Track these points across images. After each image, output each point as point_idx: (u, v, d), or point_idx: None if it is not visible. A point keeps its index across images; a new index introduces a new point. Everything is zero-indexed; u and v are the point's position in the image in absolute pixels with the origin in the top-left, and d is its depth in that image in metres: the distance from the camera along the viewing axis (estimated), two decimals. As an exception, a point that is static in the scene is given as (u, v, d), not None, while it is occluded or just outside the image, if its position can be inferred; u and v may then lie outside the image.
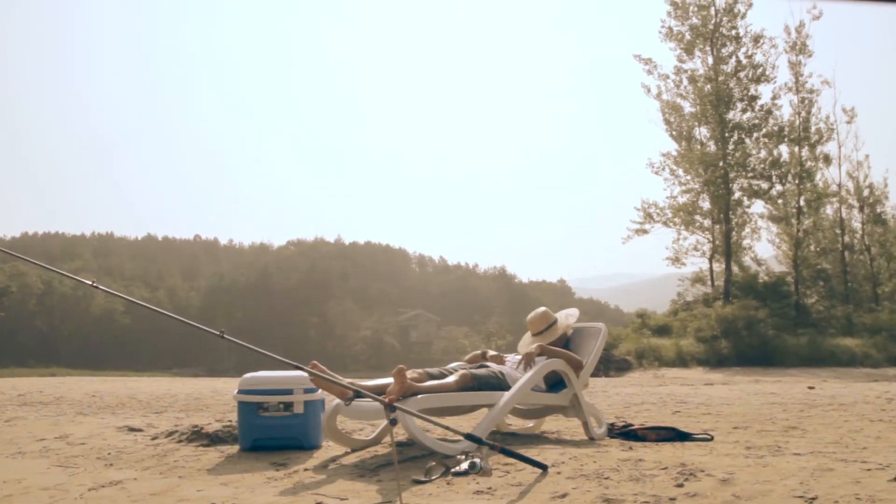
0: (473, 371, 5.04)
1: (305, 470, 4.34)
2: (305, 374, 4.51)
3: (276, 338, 65.97)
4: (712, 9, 31.95)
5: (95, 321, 73.45)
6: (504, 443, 4.37)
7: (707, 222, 32.47)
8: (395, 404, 4.10)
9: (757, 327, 26.93)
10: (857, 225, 36.02)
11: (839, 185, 34.82)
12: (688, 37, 32.24)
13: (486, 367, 5.26)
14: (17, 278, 68.61)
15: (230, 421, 6.01)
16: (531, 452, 4.22)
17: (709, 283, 32.87)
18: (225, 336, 3.94)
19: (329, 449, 5.05)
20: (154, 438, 5.62)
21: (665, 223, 32.31)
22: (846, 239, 35.27)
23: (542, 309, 5.87)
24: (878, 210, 35.77)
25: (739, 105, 32.17)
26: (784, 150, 33.41)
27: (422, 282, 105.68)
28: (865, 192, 35.44)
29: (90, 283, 4.06)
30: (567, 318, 5.87)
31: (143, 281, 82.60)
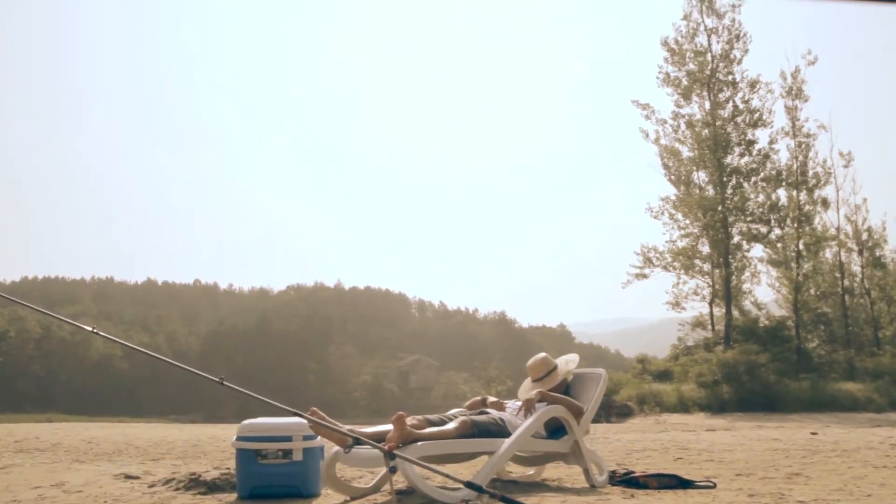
0: (473, 418, 5.01)
1: (304, 519, 4.30)
2: (305, 421, 4.49)
3: (275, 383, 65.66)
4: (709, 55, 32.33)
5: (94, 366, 73.14)
6: (505, 490, 4.33)
7: (707, 266, 32.50)
8: (395, 452, 4.08)
9: (758, 372, 26.79)
10: (856, 268, 36.08)
11: (838, 229, 34.93)
12: (685, 82, 32.57)
13: (487, 413, 5.23)
14: (15, 323, 68.49)
15: (228, 468, 5.96)
16: (532, 500, 4.18)
17: (709, 327, 32.78)
18: (224, 383, 3.93)
19: (328, 497, 5.00)
20: (151, 486, 5.57)
21: (665, 267, 32.34)
22: (846, 283, 35.28)
23: (542, 355, 5.86)
24: (878, 253, 35.83)
25: (737, 149, 32.39)
26: (782, 194, 33.59)
27: (422, 327, 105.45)
28: (864, 236, 35.54)
29: (90, 328, 4.06)
30: (567, 363, 5.85)
31: (143, 326, 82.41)
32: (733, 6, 32.18)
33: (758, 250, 33.51)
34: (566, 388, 5.73)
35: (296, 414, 4.10)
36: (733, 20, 32.28)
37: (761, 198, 32.85)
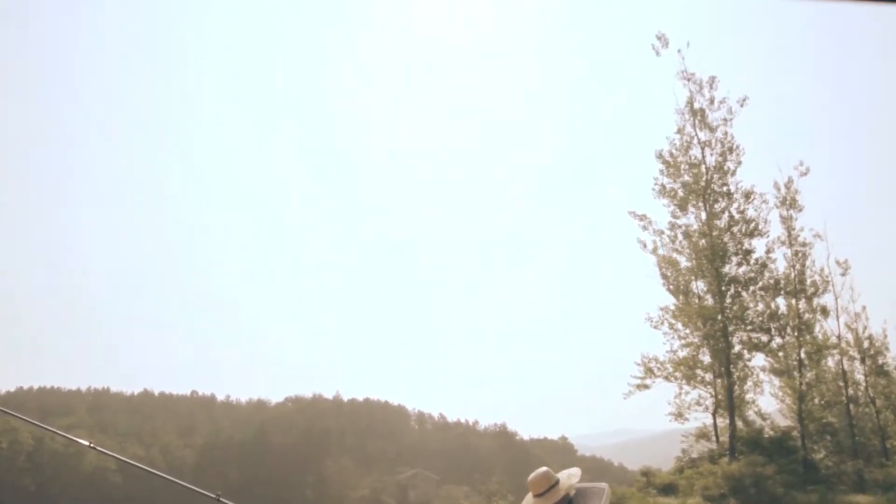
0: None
1: None
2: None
3: (272, 497, 64.23)
4: (703, 167, 33.01)
5: (87, 479, 71.54)
6: None
7: (708, 376, 32.31)
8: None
9: (765, 485, 26.28)
10: (860, 377, 35.73)
11: (839, 337, 34.79)
12: (681, 193, 33.14)
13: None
14: (7, 434, 67.37)
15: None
16: None
17: (713, 438, 32.31)
18: (221, 500, 3.87)
19: None
20: None
21: (666, 378, 32.17)
22: (850, 391, 34.90)
23: (544, 469, 5.78)
24: (881, 361, 35.54)
25: (734, 259, 32.70)
26: (781, 303, 33.69)
27: (421, 439, 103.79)
28: (866, 344, 35.36)
29: (87, 443, 4.02)
30: (569, 478, 5.76)
31: (138, 438, 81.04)
32: (725, 120, 33.11)
33: (759, 359, 33.41)
34: (568, 503, 5.63)
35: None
36: (725, 133, 33.17)
37: (760, 307, 32.97)
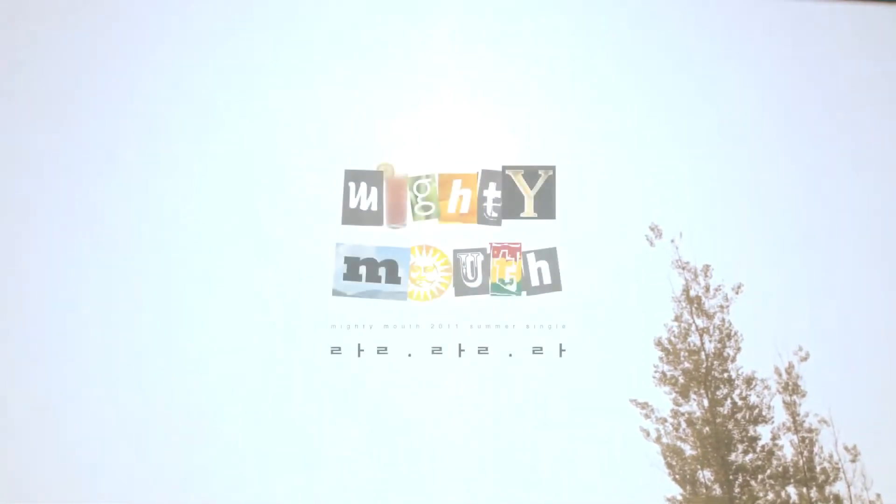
0: None
1: None
2: None
3: None
4: (702, 353, 33.21)
5: None
6: None
7: (723, 572, 31.24)
8: None
9: None
10: (882, 570, 34.48)
11: (855, 528, 33.85)
12: (681, 381, 33.17)
13: None
14: None
15: None
16: None
17: None
18: None
19: None
20: None
21: (679, 575, 31.06)
22: (875, 587, 33.56)
23: None
24: (902, 554, 34.41)
25: (740, 447, 32.29)
26: (792, 492, 32.97)
27: None
28: (885, 535, 34.35)
29: None
30: None
31: None
32: (721, 307, 33.61)
33: (776, 553, 32.35)
34: None
35: None
36: (723, 320, 33.55)
37: (771, 496, 32.24)
